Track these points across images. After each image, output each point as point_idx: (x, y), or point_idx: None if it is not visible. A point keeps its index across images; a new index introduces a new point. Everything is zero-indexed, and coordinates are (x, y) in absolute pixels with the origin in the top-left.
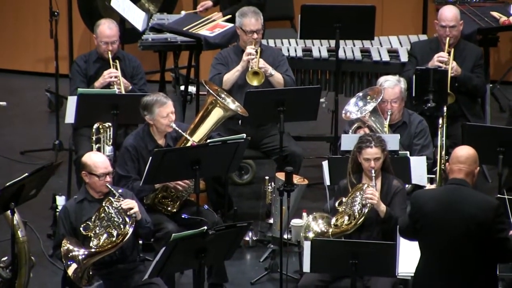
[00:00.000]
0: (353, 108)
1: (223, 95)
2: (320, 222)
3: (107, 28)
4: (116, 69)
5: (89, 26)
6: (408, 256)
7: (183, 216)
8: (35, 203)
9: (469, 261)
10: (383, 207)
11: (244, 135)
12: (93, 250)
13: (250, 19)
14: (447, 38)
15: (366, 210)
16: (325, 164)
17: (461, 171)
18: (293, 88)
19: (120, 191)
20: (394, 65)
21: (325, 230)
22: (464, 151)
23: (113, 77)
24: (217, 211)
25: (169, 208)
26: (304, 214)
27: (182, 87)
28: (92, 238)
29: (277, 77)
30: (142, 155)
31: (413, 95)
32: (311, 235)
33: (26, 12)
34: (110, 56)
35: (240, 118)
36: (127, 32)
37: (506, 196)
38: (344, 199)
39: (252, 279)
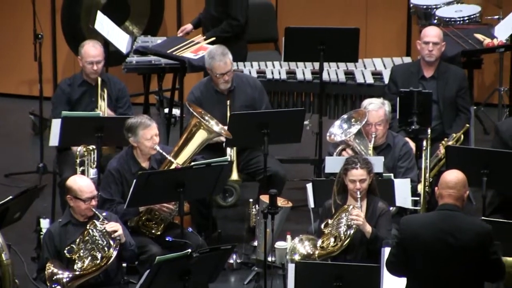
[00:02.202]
0: (338, 130)
1: (207, 118)
2: (306, 244)
3: (91, 48)
4: (103, 99)
5: (73, 48)
6: (393, 278)
7: (167, 239)
8: (19, 226)
9: (459, 285)
10: (368, 228)
11: (228, 158)
12: (77, 273)
13: (219, 63)
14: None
15: (352, 232)
16: (309, 186)
17: (450, 196)
18: (277, 111)
19: (104, 214)
20: (378, 87)
21: (311, 252)
22: (453, 176)
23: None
24: (201, 234)
25: (153, 231)
26: (288, 236)
27: (166, 110)
28: (76, 261)
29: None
30: (126, 178)
31: (397, 117)
32: (297, 257)
33: (10, 35)
34: (99, 82)
35: (225, 141)
36: (111, 54)
37: (491, 219)
38: (329, 221)
39: None
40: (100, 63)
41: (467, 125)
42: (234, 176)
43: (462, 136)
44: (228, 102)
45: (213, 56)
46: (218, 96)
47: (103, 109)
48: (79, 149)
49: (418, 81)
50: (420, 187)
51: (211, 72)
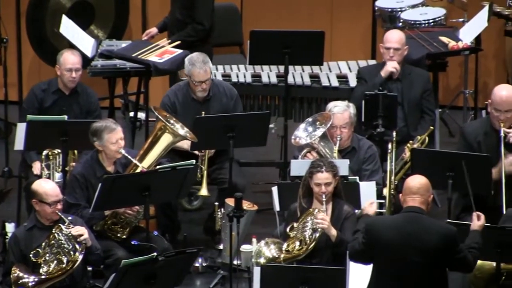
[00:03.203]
0: (303, 133)
1: (172, 121)
2: (272, 247)
3: (71, 55)
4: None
5: (38, 52)
6: (358, 281)
7: (132, 243)
8: None
9: (423, 286)
10: (334, 232)
11: (194, 161)
12: (43, 277)
13: (199, 71)
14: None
15: (317, 235)
16: (274, 189)
17: (415, 201)
18: (242, 114)
19: (70, 218)
20: (343, 90)
21: (277, 256)
22: (416, 181)
23: None
24: (167, 237)
25: (118, 235)
26: (254, 239)
27: (132, 113)
28: (42, 265)
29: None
30: (91, 182)
31: (363, 120)
32: (262, 260)
33: None
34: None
35: (190, 144)
36: None
37: (454, 221)
38: (295, 224)
39: None
40: (79, 71)
41: (431, 127)
42: (204, 192)
43: (427, 138)
44: (203, 112)
45: (193, 63)
46: (194, 104)
47: None
48: (44, 153)
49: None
50: (385, 190)
51: (189, 79)
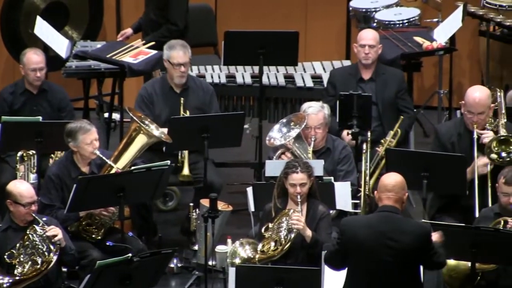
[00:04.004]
0: (277, 134)
1: (147, 122)
2: (247, 248)
3: (33, 55)
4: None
5: (12, 53)
6: (333, 281)
7: (107, 244)
8: None
9: (397, 285)
10: (309, 232)
11: (169, 162)
12: (17, 278)
13: (178, 52)
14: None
15: (292, 236)
16: (249, 190)
17: (390, 199)
18: (217, 115)
19: (44, 219)
20: (317, 91)
21: (252, 256)
22: (391, 179)
23: None
24: (142, 238)
25: (93, 236)
26: (229, 240)
27: (106, 114)
28: (17, 266)
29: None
30: (66, 183)
31: (337, 120)
32: (237, 261)
33: None
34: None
35: (165, 145)
36: (50, 59)
37: (430, 221)
38: (270, 225)
39: None
40: (43, 70)
41: (401, 117)
42: (186, 171)
43: (399, 130)
44: (182, 100)
45: (173, 45)
46: (172, 94)
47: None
48: (19, 154)
49: (356, 83)
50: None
51: (168, 64)
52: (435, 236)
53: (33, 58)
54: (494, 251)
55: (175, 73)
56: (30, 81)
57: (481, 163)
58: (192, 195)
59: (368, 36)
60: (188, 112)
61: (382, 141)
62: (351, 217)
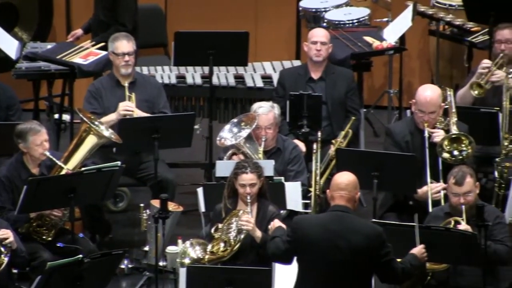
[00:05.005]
0: (228, 134)
1: (96, 123)
2: (197, 248)
3: None
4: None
5: None
6: (284, 281)
7: (58, 245)
8: None
9: (348, 285)
10: (258, 233)
11: (119, 163)
12: None
13: (121, 42)
14: None
15: (242, 236)
16: (200, 190)
17: (342, 198)
18: (167, 115)
19: None
20: (268, 91)
21: (202, 257)
22: (344, 178)
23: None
24: (95, 238)
25: (44, 237)
26: (180, 241)
27: (56, 116)
28: None
29: None
30: (16, 184)
31: (287, 120)
32: (187, 261)
33: None
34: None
35: (115, 145)
36: (0, 61)
37: (380, 221)
38: (220, 225)
39: None
40: None
41: (353, 117)
42: None
43: (350, 131)
44: (129, 93)
45: (116, 36)
46: (119, 87)
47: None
48: None
49: (306, 83)
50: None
51: (113, 56)
52: (418, 249)
53: None
54: (444, 251)
55: (120, 63)
56: None
57: (434, 191)
58: (142, 196)
59: (319, 33)
60: (134, 105)
61: (333, 141)
62: (303, 216)
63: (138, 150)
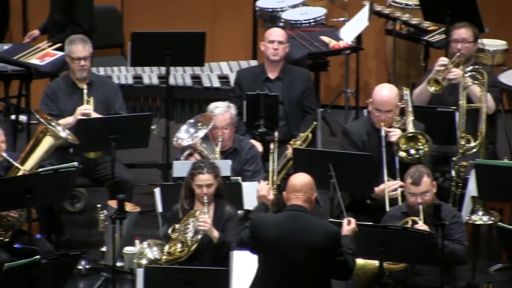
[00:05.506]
0: (184, 135)
1: (53, 123)
2: (154, 249)
3: None
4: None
5: None
6: (241, 281)
7: (15, 246)
8: None
9: (305, 284)
10: (215, 234)
11: (76, 163)
12: None
13: (77, 46)
14: None
15: (199, 237)
16: (157, 191)
17: (298, 199)
18: (124, 116)
19: None
20: (225, 91)
21: (159, 257)
22: (300, 179)
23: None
24: (54, 239)
25: (1, 238)
26: (137, 241)
27: (13, 117)
28: None
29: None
30: None
31: (244, 120)
32: (144, 261)
33: None
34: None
35: (71, 146)
36: None
37: (337, 220)
38: (177, 226)
39: None
40: None
41: (315, 122)
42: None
43: (310, 135)
44: (87, 97)
45: (73, 40)
46: (75, 89)
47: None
48: None
49: (262, 83)
50: None
51: (69, 59)
52: (347, 229)
53: None
54: (402, 250)
55: (75, 67)
56: None
57: (391, 189)
58: (99, 196)
59: (276, 32)
60: (92, 108)
61: (291, 142)
62: (261, 215)
63: (95, 150)
